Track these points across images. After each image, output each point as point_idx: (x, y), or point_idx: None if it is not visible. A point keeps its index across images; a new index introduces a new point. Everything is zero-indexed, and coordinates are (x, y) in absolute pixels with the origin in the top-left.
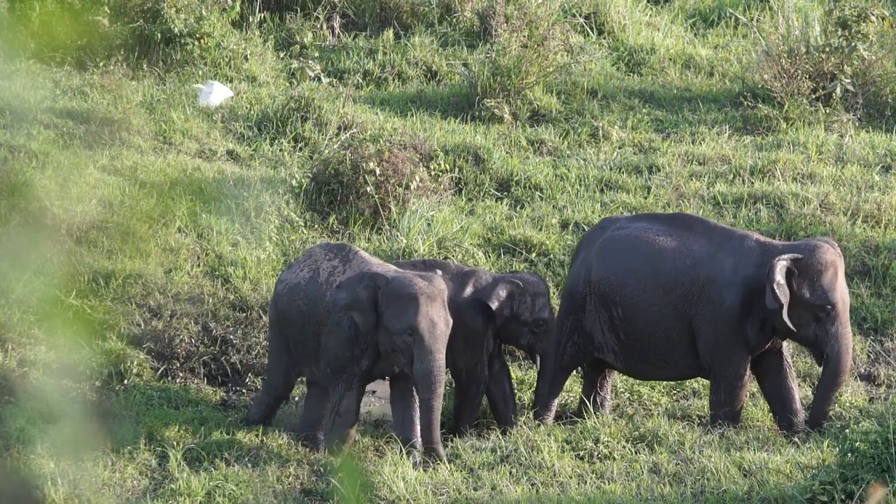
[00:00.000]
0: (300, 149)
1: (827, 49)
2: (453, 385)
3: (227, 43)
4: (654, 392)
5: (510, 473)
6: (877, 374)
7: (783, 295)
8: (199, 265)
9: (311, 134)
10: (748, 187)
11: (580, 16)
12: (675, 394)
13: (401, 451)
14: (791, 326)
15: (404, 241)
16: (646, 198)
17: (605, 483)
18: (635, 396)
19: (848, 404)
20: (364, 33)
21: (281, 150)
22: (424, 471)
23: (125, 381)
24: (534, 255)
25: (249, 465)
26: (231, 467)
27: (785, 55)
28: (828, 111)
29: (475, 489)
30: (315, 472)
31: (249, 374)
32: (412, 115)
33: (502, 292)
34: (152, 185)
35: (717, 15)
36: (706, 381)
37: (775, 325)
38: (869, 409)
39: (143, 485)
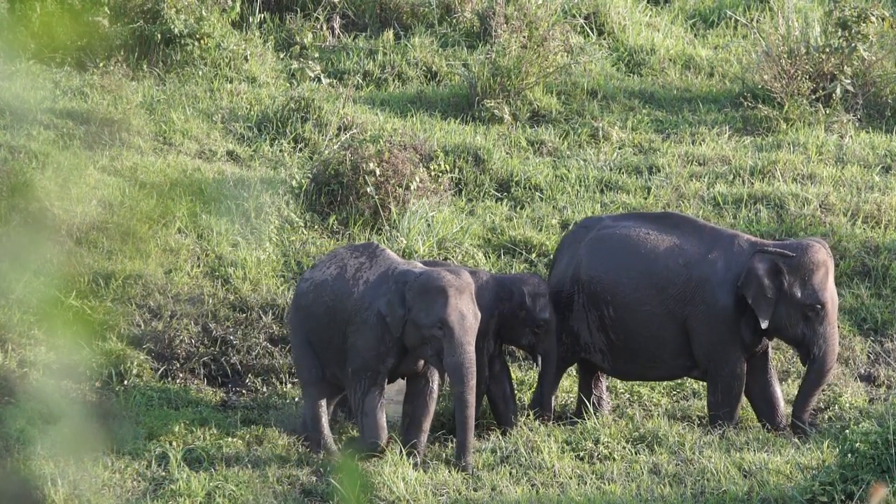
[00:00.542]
0: (300, 149)
1: (827, 50)
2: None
3: (227, 43)
4: (654, 393)
5: (510, 474)
6: (877, 375)
7: (757, 286)
8: (199, 266)
9: (311, 134)
10: (748, 188)
11: (580, 16)
12: (675, 395)
13: (401, 451)
14: (762, 320)
15: (404, 241)
16: (646, 198)
17: (605, 484)
18: (635, 397)
19: (848, 405)
20: (364, 34)
21: (281, 150)
22: (424, 471)
23: (125, 382)
24: (534, 255)
25: (249, 465)
26: (231, 467)
27: (785, 56)
28: (828, 112)
29: (475, 490)
30: (315, 472)
31: (249, 375)
32: (412, 115)
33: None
34: (152, 186)
35: (717, 15)
36: (702, 382)
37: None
38: (869, 409)
39: (143, 485)
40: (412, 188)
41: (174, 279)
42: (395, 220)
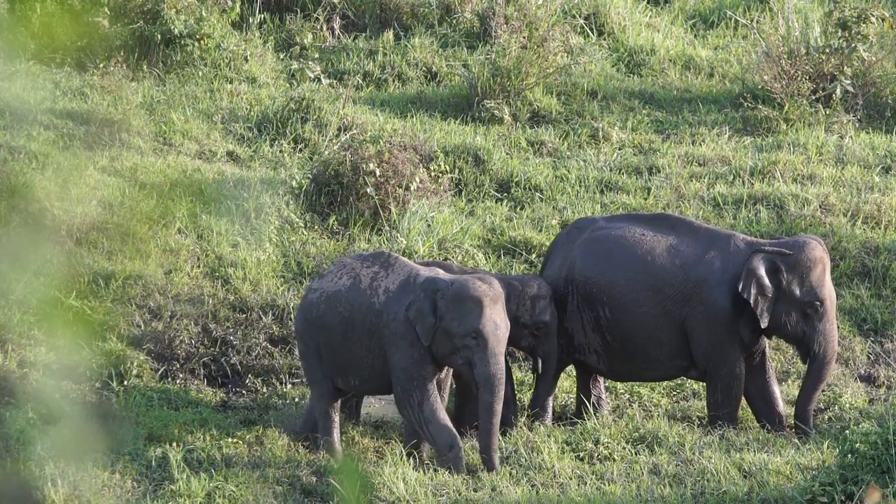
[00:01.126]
0: (300, 150)
1: (827, 50)
2: (454, 386)
3: (227, 44)
4: (653, 393)
5: (510, 474)
6: (877, 376)
7: (757, 286)
8: (199, 266)
9: (311, 135)
10: (748, 188)
11: (580, 17)
12: (675, 395)
13: (401, 452)
14: (762, 319)
15: (404, 242)
16: (646, 199)
17: (604, 484)
18: (635, 397)
19: (848, 405)
20: (364, 34)
21: (281, 151)
22: (424, 472)
23: (125, 382)
24: (534, 256)
25: (249, 466)
26: (231, 468)
27: (785, 56)
28: (828, 112)
29: (475, 490)
30: (315, 472)
31: (249, 375)
32: (412, 116)
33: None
34: (152, 187)
35: (717, 16)
36: (701, 382)
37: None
38: (869, 410)
39: (143, 485)
40: (412, 189)
41: (174, 280)
42: (395, 221)
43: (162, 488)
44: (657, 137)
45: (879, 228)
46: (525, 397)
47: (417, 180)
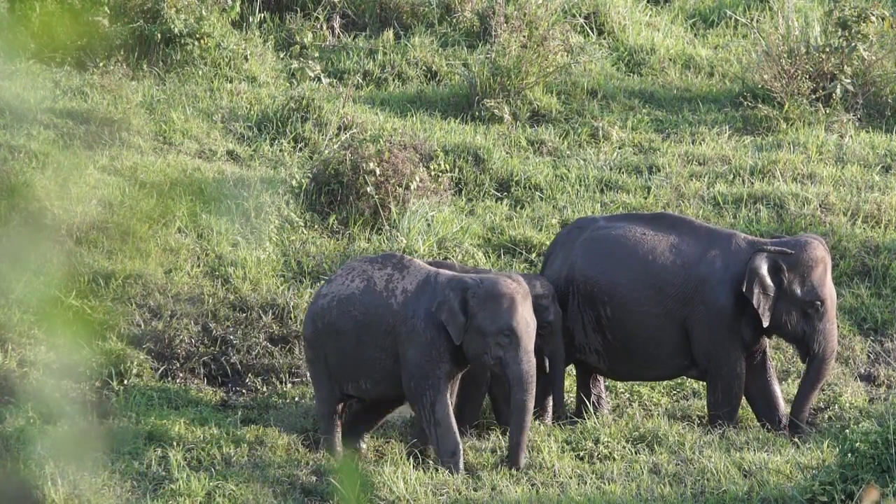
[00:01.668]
0: (300, 149)
1: (827, 49)
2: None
3: (227, 43)
4: (653, 392)
5: (510, 474)
6: (877, 375)
7: (761, 285)
8: (199, 265)
9: (311, 134)
10: (748, 187)
11: (580, 16)
12: (675, 394)
13: (401, 451)
14: (764, 319)
15: (404, 241)
16: (646, 198)
17: (605, 483)
18: (635, 397)
19: (848, 405)
20: (364, 33)
21: (281, 150)
22: (424, 471)
23: (125, 382)
24: (534, 255)
25: (249, 465)
26: (231, 467)
27: (785, 55)
28: (828, 111)
29: (475, 489)
30: (315, 472)
31: (249, 375)
32: (412, 115)
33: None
34: (152, 186)
35: (717, 15)
36: (701, 381)
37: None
38: (869, 409)
39: (142, 485)
40: (412, 188)
41: (174, 279)
42: (395, 220)
43: (162, 488)
44: (657, 137)
45: (879, 228)
46: None
47: (417, 179)
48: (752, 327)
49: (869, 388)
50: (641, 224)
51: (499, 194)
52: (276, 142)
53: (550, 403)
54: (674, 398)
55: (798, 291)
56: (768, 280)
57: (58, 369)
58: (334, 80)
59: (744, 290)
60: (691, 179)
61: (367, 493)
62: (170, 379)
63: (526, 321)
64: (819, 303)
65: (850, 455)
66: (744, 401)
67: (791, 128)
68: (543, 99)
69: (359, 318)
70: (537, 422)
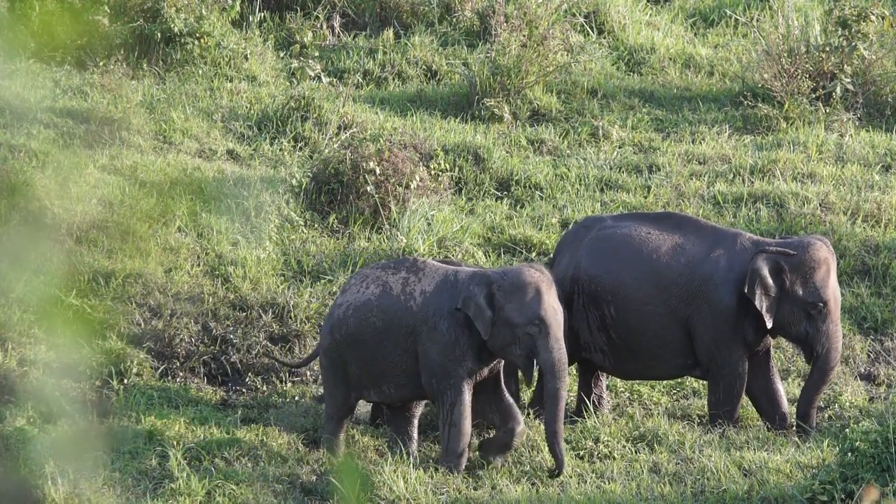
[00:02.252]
0: (300, 148)
1: (827, 48)
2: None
3: (227, 42)
4: (654, 392)
5: (510, 473)
6: (877, 374)
7: (762, 286)
8: (199, 265)
9: (311, 133)
10: (748, 187)
11: (580, 15)
12: (675, 393)
13: (400, 451)
14: (767, 320)
15: (404, 240)
16: (646, 197)
17: (605, 482)
18: (635, 396)
19: (848, 404)
20: (364, 33)
21: (281, 149)
22: (424, 470)
23: (125, 381)
24: (534, 254)
25: (249, 466)
26: (231, 467)
27: (785, 55)
28: (828, 111)
29: (475, 489)
30: (315, 471)
31: (249, 374)
32: (412, 114)
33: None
34: (152, 185)
35: (717, 14)
36: (703, 381)
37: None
38: (869, 408)
39: (142, 484)
40: (412, 187)
41: (174, 278)
42: (395, 219)
43: (162, 487)
44: (657, 136)
45: (879, 227)
46: (525, 396)
47: (417, 179)
48: (754, 327)
49: (869, 388)
50: (647, 223)
51: (499, 193)
52: (276, 141)
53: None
54: (674, 397)
55: (800, 293)
56: (769, 281)
57: (58, 368)
58: (334, 80)
59: (746, 290)
60: (691, 179)
61: (368, 493)
62: (170, 378)
63: (554, 309)
64: (821, 304)
65: (850, 454)
66: (745, 400)
67: (791, 127)
68: (543, 98)
69: (378, 324)
70: (537, 421)
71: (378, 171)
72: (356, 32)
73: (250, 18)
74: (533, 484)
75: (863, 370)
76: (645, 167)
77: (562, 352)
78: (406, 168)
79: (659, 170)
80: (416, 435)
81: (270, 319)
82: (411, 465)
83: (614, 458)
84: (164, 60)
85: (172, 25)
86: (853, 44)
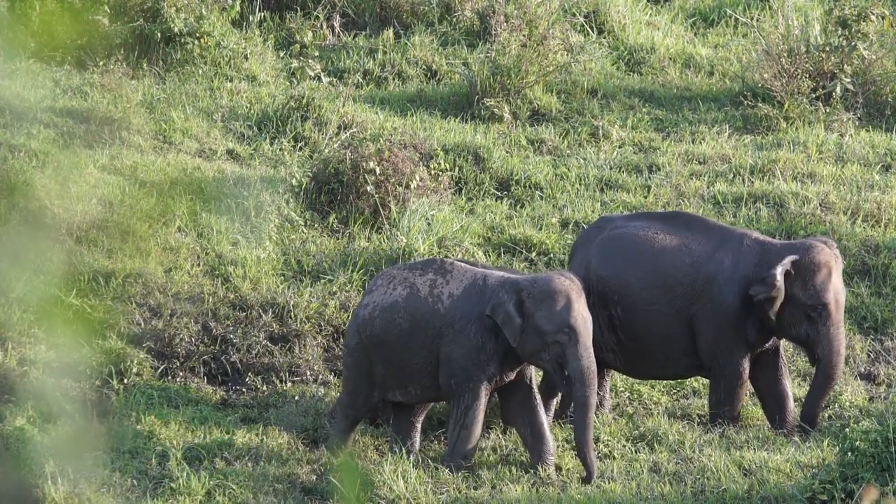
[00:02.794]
0: (300, 148)
1: (827, 48)
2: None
3: (227, 42)
4: (653, 391)
5: (510, 472)
6: (877, 374)
7: (771, 289)
8: (199, 264)
9: (311, 133)
10: (748, 186)
11: (580, 15)
12: (675, 393)
13: (401, 450)
14: (773, 320)
15: (404, 240)
16: (646, 197)
17: (605, 482)
18: (635, 395)
19: (848, 403)
20: (364, 33)
21: (281, 149)
22: (425, 470)
23: (125, 381)
24: (534, 254)
25: (249, 465)
26: (231, 467)
27: (785, 54)
28: (828, 110)
29: (475, 488)
30: (315, 471)
31: (249, 374)
32: (412, 114)
33: None
34: (152, 185)
35: (717, 14)
36: (707, 381)
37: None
38: (869, 408)
39: (142, 484)
40: (412, 187)
41: (174, 278)
42: (395, 219)
43: (162, 486)
44: (657, 136)
45: (879, 226)
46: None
47: (417, 178)
48: (757, 328)
49: (869, 387)
50: (656, 223)
51: (499, 193)
52: (276, 141)
53: (554, 403)
54: (674, 397)
55: (800, 294)
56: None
57: (58, 368)
58: (334, 80)
59: (750, 291)
60: (691, 178)
61: (367, 492)
62: (170, 378)
63: (583, 317)
64: (822, 307)
65: (850, 454)
66: (746, 399)
67: (791, 127)
68: (543, 98)
69: (404, 326)
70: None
71: (378, 171)
72: (356, 32)
73: (250, 18)
74: (533, 484)
75: (863, 370)
76: (645, 167)
77: (591, 360)
78: (406, 168)
79: (659, 170)
80: (417, 437)
81: (270, 319)
82: (411, 465)
83: (614, 458)
84: (164, 60)
85: (172, 25)
86: (853, 44)
